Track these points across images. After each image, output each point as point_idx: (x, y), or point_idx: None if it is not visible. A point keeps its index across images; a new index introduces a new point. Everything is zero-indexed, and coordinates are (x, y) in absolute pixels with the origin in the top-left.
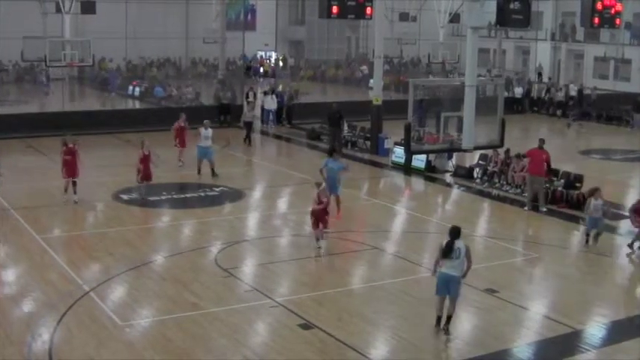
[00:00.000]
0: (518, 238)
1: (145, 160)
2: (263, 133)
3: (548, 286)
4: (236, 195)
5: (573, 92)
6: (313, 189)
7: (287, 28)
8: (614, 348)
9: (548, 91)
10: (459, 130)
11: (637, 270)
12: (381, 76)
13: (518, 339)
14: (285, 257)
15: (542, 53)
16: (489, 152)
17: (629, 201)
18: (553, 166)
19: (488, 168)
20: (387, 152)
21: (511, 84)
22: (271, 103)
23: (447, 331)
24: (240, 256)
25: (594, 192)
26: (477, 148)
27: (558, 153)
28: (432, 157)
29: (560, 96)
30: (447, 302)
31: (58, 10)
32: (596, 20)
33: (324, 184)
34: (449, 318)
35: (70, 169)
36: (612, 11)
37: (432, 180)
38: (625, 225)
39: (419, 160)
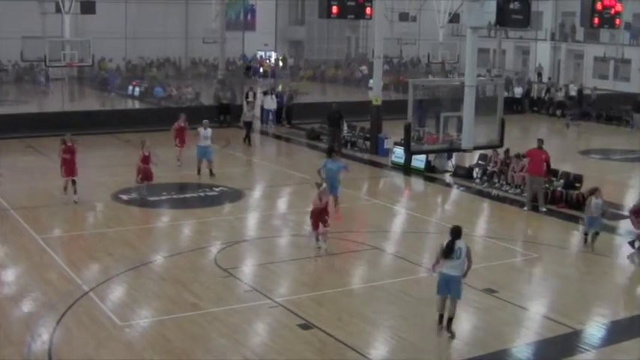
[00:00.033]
0: (518, 238)
1: (146, 160)
2: (263, 133)
3: (548, 286)
4: (236, 195)
5: (573, 92)
6: (313, 189)
7: (287, 28)
8: (613, 348)
9: (547, 91)
10: (459, 130)
11: (637, 270)
12: (381, 76)
13: (517, 339)
14: (285, 257)
15: (542, 53)
16: (489, 152)
17: (629, 201)
18: (553, 166)
19: (488, 168)
20: (387, 152)
21: (511, 84)
22: (271, 103)
23: (452, 334)
24: (240, 256)
25: (595, 191)
26: (476, 148)
27: (558, 153)
28: (431, 157)
29: (560, 96)
30: (447, 302)
31: (58, 10)
32: (596, 20)
33: (324, 185)
34: (450, 320)
35: (69, 168)
36: (612, 11)
37: (432, 180)
38: (624, 225)
39: (418, 160)
